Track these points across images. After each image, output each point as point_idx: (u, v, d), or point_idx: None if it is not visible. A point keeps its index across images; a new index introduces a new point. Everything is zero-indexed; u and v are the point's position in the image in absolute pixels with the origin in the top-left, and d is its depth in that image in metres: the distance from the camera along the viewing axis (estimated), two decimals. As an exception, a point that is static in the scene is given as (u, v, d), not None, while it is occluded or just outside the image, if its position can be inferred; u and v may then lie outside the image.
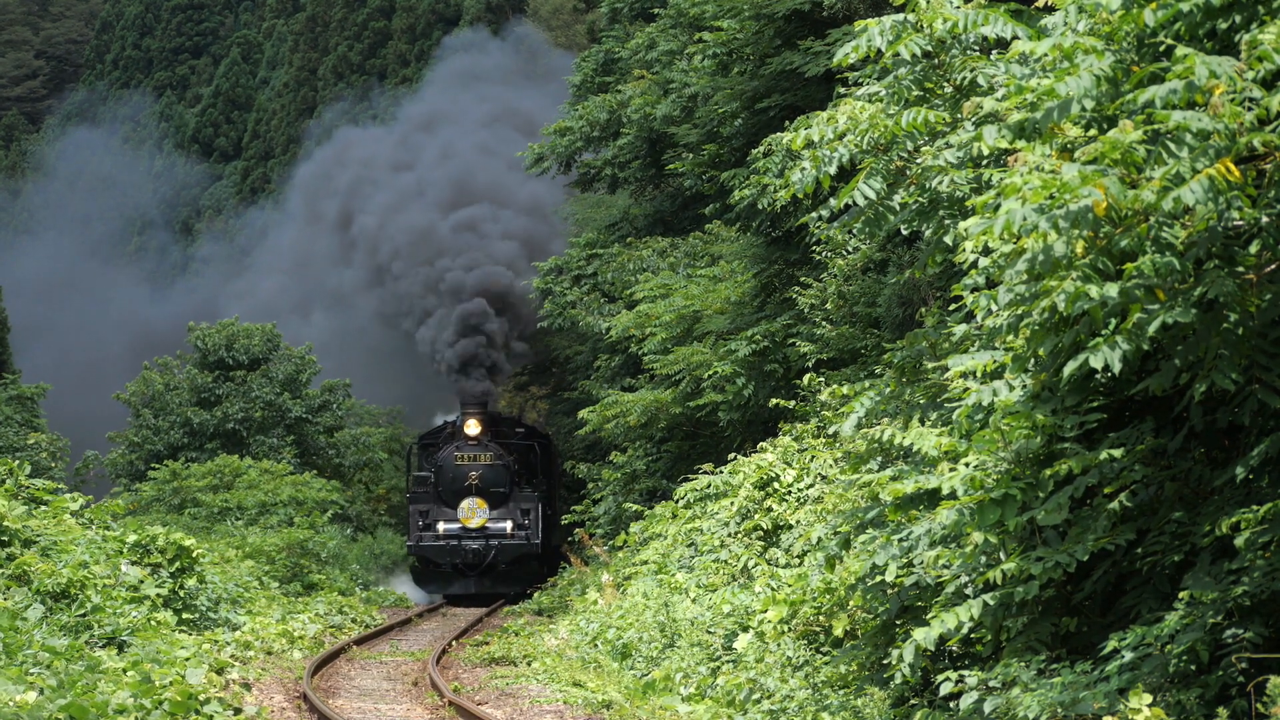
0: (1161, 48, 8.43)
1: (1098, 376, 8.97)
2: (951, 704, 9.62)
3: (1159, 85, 7.86)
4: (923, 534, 10.08)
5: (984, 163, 10.36)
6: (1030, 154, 8.46)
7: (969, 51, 11.07)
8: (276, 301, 56.15)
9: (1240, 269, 8.02)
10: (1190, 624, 8.27)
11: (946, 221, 10.79)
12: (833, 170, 11.01)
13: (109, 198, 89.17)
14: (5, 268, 68.35)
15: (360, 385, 49.91)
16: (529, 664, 19.97)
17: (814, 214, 18.61)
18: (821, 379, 19.39)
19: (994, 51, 11.48)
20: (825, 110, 11.42)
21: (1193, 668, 8.34)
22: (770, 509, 18.69)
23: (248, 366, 45.96)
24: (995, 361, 9.76)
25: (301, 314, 55.95)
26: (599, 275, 35.36)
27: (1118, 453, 8.78)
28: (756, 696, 13.42)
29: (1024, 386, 9.45)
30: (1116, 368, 8.05)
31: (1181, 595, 8.40)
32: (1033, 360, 9.41)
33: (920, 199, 10.82)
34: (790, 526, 18.00)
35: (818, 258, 21.29)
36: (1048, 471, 9.13)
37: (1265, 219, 7.87)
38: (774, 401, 21.09)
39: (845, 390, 15.24)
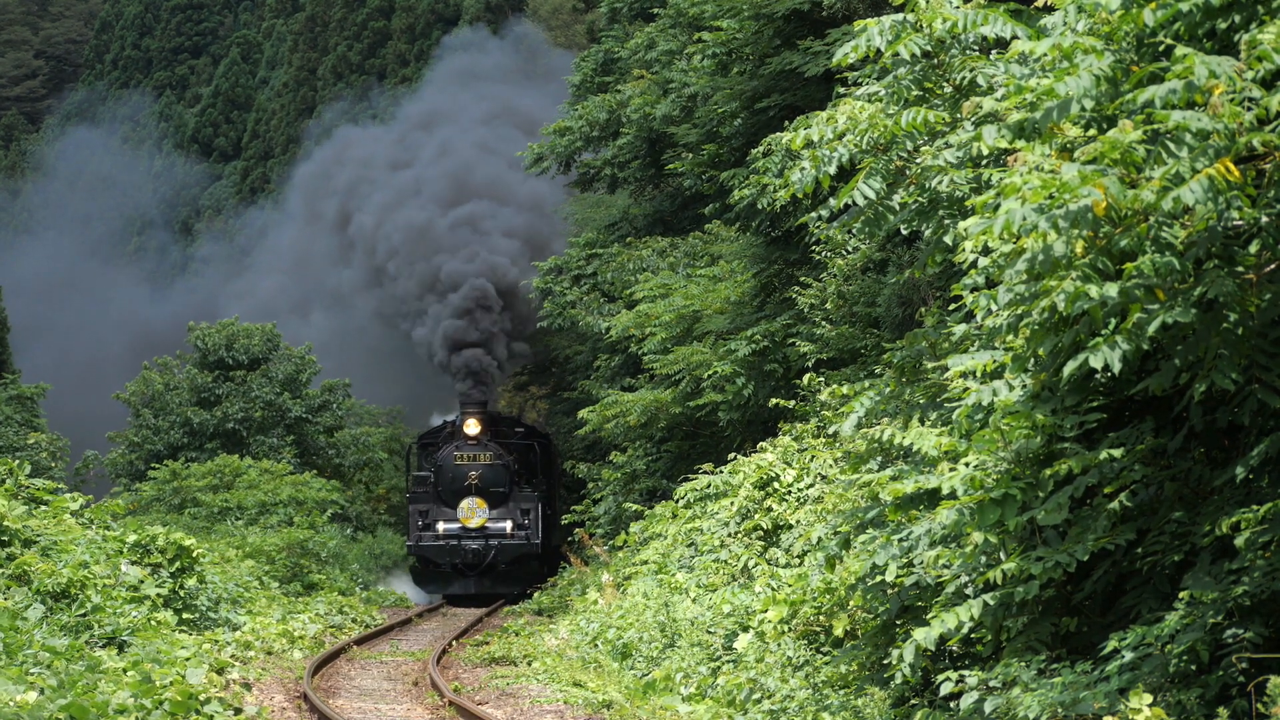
0: (1161, 48, 8.43)
1: (1097, 376, 8.97)
2: (952, 704, 9.62)
3: (1159, 85, 7.87)
4: (923, 534, 10.09)
5: (984, 163, 10.36)
6: (1030, 154, 8.46)
7: (968, 51, 11.07)
8: (276, 301, 56.14)
9: (1240, 269, 8.02)
10: (1190, 624, 8.27)
11: (946, 221, 10.79)
12: (832, 170, 11.01)
13: (109, 198, 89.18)
14: (5, 268, 68.35)
15: (360, 385, 49.91)
16: (529, 664, 19.97)
17: (814, 214, 18.61)
18: (821, 379, 19.39)
19: (994, 51, 11.48)
20: (825, 110, 11.42)
21: (1193, 668, 8.35)
22: (770, 509, 18.69)
23: (248, 366, 45.96)
24: (995, 361, 9.76)
25: (301, 314, 55.93)
26: (599, 275, 35.35)
27: (1118, 453, 8.78)
28: (757, 696, 13.42)
29: (1024, 386, 9.45)
30: (1116, 368, 8.05)
31: (1181, 595, 8.40)
32: (1033, 360, 9.41)
33: (920, 199, 10.82)
34: (790, 526, 18.00)
35: (817, 258, 21.28)
36: (1048, 471, 9.14)
37: (1265, 219, 7.87)
38: (774, 401, 21.09)
39: (845, 390, 15.23)
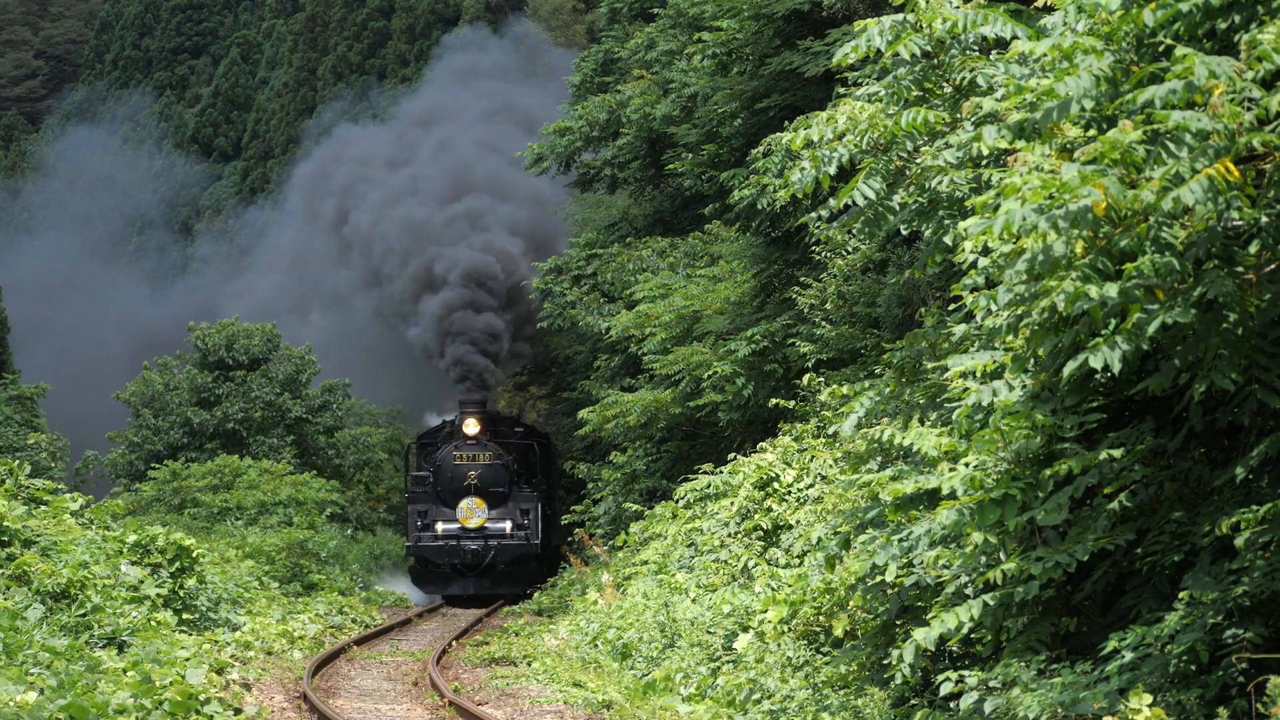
0: (1161, 48, 8.44)
1: (1097, 376, 8.97)
2: (951, 704, 9.62)
3: (1158, 85, 7.87)
4: (923, 534, 10.09)
5: (984, 163, 10.36)
6: (1030, 154, 8.46)
7: (968, 51, 11.07)
8: (275, 301, 56.12)
9: (1240, 269, 8.02)
10: (1190, 624, 8.27)
11: (946, 221, 10.79)
12: (832, 170, 11.01)
13: (109, 197, 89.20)
14: (5, 267, 68.37)
15: (360, 385, 49.90)
16: (529, 664, 19.97)
17: (814, 214, 18.61)
18: (821, 379, 19.39)
19: (993, 51, 11.48)
20: (825, 110, 11.42)
21: (1193, 668, 8.35)
22: (770, 509, 18.69)
23: (248, 366, 45.96)
24: (995, 361, 9.76)
25: (300, 314, 55.90)
26: (599, 275, 35.35)
27: (1118, 453, 8.78)
28: (756, 697, 13.42)
29: (1024, 386, 9.45)
30: (1116, 368, 8.05)
31: (1181, 595, 8.41)
32: (1032, 360, 9.41)
33: (920, 199, 10.82)
34: (790, 526, 18.01)
35: (817, 258, 21.29)
36: (1048, 471, 9.14)
37: (1265, 219, 7.87)
38: (774, 401, 21.09)
39: (845, 390, 15.24)
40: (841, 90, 17.46)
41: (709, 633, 16.45)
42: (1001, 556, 9.55)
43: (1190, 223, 7.87)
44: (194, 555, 20.25)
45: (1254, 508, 8.12)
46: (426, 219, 45.84)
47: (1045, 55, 8.87)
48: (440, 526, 38.37)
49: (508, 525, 38.46)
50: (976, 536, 9.57)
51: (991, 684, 9.14)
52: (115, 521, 22.14)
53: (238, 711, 14.19)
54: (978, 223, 8.52)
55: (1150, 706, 8.08)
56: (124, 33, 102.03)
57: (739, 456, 21.13)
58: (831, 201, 11.63)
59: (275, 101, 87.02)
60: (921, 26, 10.66)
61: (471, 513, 38.48)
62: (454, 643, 25.52)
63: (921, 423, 11.35)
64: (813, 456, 18.50)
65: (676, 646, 17.16)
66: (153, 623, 16.97)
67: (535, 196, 46.67)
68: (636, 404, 27.95)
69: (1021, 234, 8.08)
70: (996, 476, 9.32)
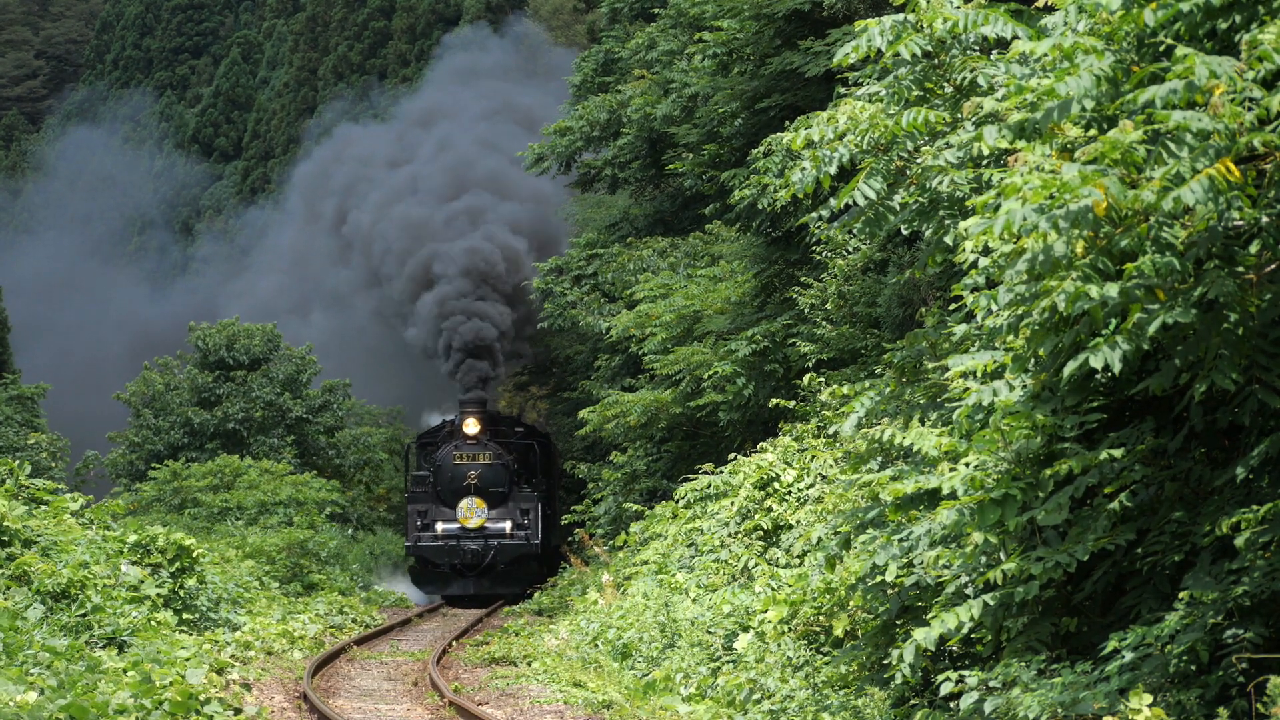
0: (1161, 48, 8.43)
1: (1098, 376, 8.97)
2: (952, 704, 9.62)
3: (1159, 85, 7.87)
4: (923, 534, 10.09)
5: (984, 163, 10.36)
6: (1030, 154, 8.46)
7: (969, 51, 11.07)
8: (275, 301, 56.10)
9: (1240, 269, 8.02)
10: (1190, 624, 8.27)
11: (946, 221, 10.79)
12: (833, 170, 11.01)
13: (109, 197, 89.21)
14: (5, 267, 68.38)
15: (360, 385, 49.89)
16: (529, 664, 19.97)
17: (814, 214, 18.62)
18: (821, 379, 19.39)
19: (994, 51, 11.48)
20: (825, 110, 11.42)
21: (1193, 668, 8.35)
22: (770, 509, 18.69)
23: (248, 366, 45.96)
24: (995, 361, 9.76)
25: (300, 314, 55.88)
26: (599, 275, 35.35)
27: (1118, 453, 8.78)
28: (757, 697, 13.42)
29: (1024, 386, 9.45)
30: (1116, 368, 8.05)
31: (1181, 595, 8.41)
32: (1033, 360, 9.41)
33: (920, 199, 10.82)
34: (790, 526, 18.00)
35: (818, 258, 21.29)
36: (1048, 471, 9.14)
37: (1265, 219, 7.87)
38: (774, 401, 21.09)
39: (845, 390, 15.24)
40: (842, 90, 17.46)
41: (709, 633, 16.45)
42: (1002, 556, 9.55)
43: (1191, 223, 7.87)
44: (194, 555, 20.25)
45: (1254, 508, 8.12)
46: (426, 217, 45.69)
47: (1046, 55, 8.87)
48: (440, 526, 38.31)
49: (508, 525, 38.41)
50: (977, 536, 9.57)
51: (991, 684, 9.14)
52: (115, 521, 22.14)
53: (238, 711, 14.19)
54: (978, 223, 8.52)
55: (1150, 706, 8.08)
56: (125, 33, 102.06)
57: (739, 456, 21.13)
58: (832, 201, 11.63)
59: (276, 101, 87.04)
60: (922, 26, 10.66)
61: (471, 513, 38.42)
62: (454, 643, 25.52)
63: (922, 423, 11.35)
64: (813, 456, 18.50)
65: (676, 646, 17.16)
66: (153, 623, 16.97)
67: (536, 195, 46.55)
68: (637, 404, 27.96)
69: (1022, 234, 8.08)
70: (997, 476, 9.32)
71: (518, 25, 65.13)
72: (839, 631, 12.79)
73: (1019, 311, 9.10)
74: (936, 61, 11.03)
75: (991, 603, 9.28)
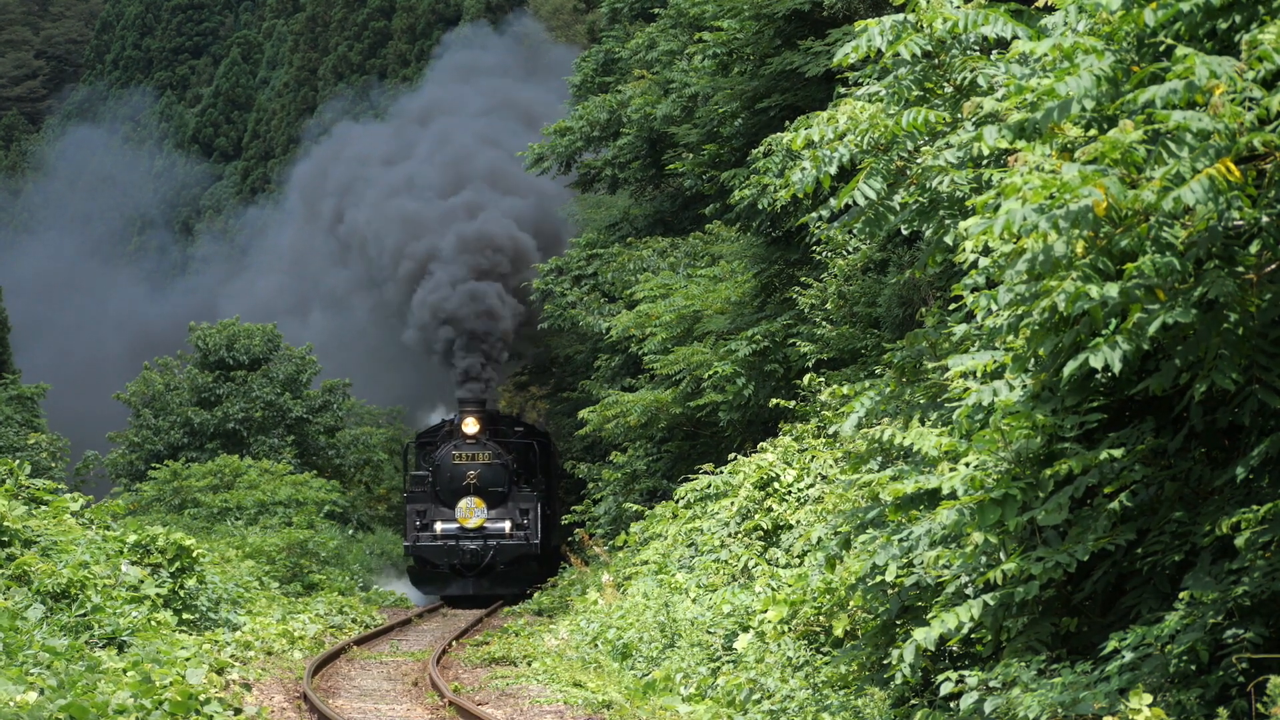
0: (1161, 48, 8.43)
1: (1098, 376, 8.97)
2: (952, 704, 9.62)
3: (1159, 85, 7.87)
4: (923, 534, 10.08)
5: (984, 163, 10.36)
6: (1030, 154, 8.46)
7: (969, 51, 11.07)
8: (275, 301, 56.05)
9: (1240, 269, 8.02)
10: (1190, 624, 8.27)
11: (946, 221, 10.79)
12: (833, 170, 11.01)
13: (109, 197, 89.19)
14: (5, 267, 68.36)
15: (360, 385, 49.87)
16: (529, 664, 19.97)
17: (814, 214, 18.62)
18: (821, 379, 19.39)
19: (994, 51, 11.48)
20: (825, 110, 11.42)
21: (1193, 668, 8.35)
22: (770, 509, 18.69)
23: (248, 366, 45.96)
24: (995, 361, 9.76)
25: (300, 314, 55.84)
26: (599, 275, 35.35)
27: (1118, 453, 8.78)
28: (757, 697, 13.42)
29: (1024, 386, 9.45)
30: (1116, 368, 8.05)
31: (1181, 595, 8.41)
32: (1033, 360, 9.41)
33: (920, 199, 10.82)
34: (790, 526, 18.00)
35: (818, 258, 21.29)
36: (1048, 471, 9.14)
37: (1265, 219, 7.87)
38: (774, 401, 21.09)
39: (845, 390, 15.23)
40: (842, 90, 17.46)
41: (709, 633, 16.45)
42: (1002, 556, 9.55)
43: (1191, 222, 7.87)
44: (194, 555, 20.24)
45: (1254, 508, 8.12)
46: (422, 212, 45.41)
47: (1046, 55, 8.87)
48: (439, 526, 38.21)
49: (507, 525, 38.34)
50: (977, 536, 9.57)
51: (991, 684, 9.14)
52: (115, 521, 22.14)
53: (238, 711, 14.19)
54: (978, 223, 8.52)
55: (1150, 706, 8.08)
56: (125, 32, 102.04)
57: (739, 456, 21.13)
58: (832, 201, 11.63)
59: (276, 101, 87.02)
60: (922, 26, 10.66)
61: (471, 512, 38.34)
62: (454, 643, 25.52)
63: (922, 423, 11.35)
64: (813, 456, 18.50)
65: (676, 646, 17.16)
66: (153, 623, 16.97)
67: (537, 191, 46.32)
68: (637, 404, 27.96)
69: (1022, 234, 8.07)
70: (997, 476, 9.32)
71: (518, 24, 65.10)
72: (839, 631, 12.79)
73: (1019, 311, 9.10)
74: (936, 61, 11.03)
75: (991, 603, 9.28)
